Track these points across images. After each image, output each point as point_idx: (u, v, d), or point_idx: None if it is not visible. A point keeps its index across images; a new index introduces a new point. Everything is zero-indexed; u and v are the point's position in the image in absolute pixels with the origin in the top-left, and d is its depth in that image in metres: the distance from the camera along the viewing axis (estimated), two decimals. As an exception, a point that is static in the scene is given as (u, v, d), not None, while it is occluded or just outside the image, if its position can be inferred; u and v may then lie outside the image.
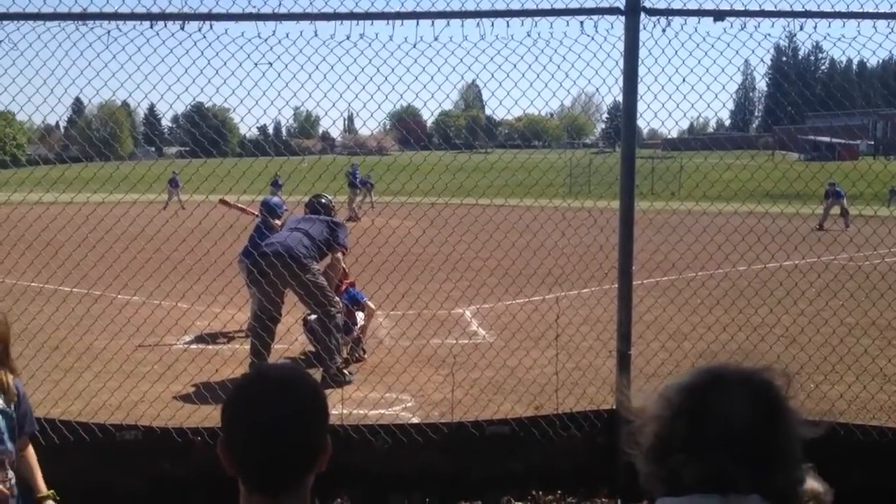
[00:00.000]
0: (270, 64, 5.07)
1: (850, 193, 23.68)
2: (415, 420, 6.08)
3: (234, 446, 1.68)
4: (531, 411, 6.29)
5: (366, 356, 8.62)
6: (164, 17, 4.68)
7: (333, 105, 5.72)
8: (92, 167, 6.68)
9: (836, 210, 25.75)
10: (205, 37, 4.77)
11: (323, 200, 8.76)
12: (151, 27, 4.72)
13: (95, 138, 6.94)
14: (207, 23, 4.73)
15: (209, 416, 5.53)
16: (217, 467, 1.68)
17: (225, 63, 5.09)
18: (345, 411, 6.03)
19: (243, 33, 4.87)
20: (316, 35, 4.86)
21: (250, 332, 7.97)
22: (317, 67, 5.10)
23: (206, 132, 7.51)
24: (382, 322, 10.33)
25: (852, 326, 8.60)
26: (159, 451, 4.87)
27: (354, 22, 4.76)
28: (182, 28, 4.72)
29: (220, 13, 4.74)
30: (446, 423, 5.23)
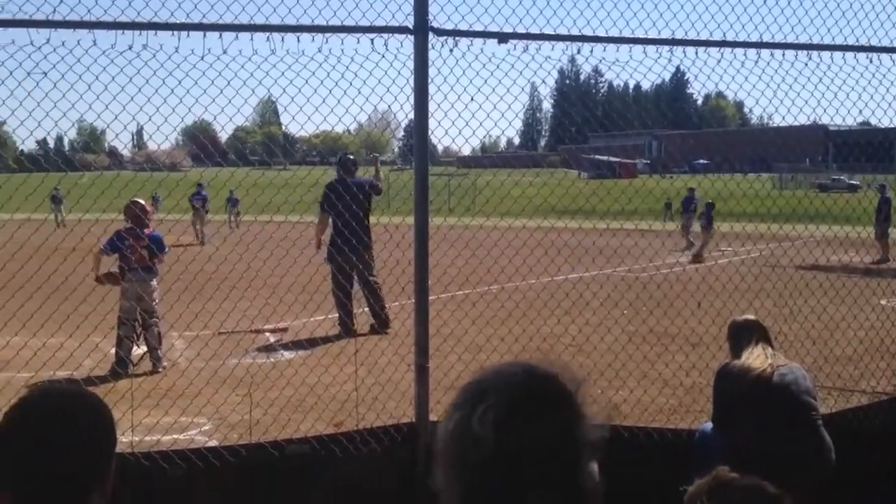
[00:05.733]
0: (45, 73, 4.76)
1: (627, 208, 23.35)
2: (211, 443, 5.89)
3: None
4: (331, 429, 6.25)
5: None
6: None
7: (116, 118, 5.39)
8: None
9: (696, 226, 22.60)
10: (-31, 44, 4.42)
11: (351, 157, 10.89)
12: None
13: None
14: (-28, 29, 4.38)
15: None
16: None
17: (-6, 72, 4.72)
18: (135, 438, 5.74)
19: (14, 41, 4.54)
20: (95, 44, 4.60)
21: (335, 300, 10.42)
22: (97, 78, 4.83)
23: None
24: (175, 343, 9.93)
25: (632, 334, 9.17)
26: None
27: (137, 32, 4.55)
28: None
29: (-16, 19, 4.40)
30: (244, 444, 5.11)
